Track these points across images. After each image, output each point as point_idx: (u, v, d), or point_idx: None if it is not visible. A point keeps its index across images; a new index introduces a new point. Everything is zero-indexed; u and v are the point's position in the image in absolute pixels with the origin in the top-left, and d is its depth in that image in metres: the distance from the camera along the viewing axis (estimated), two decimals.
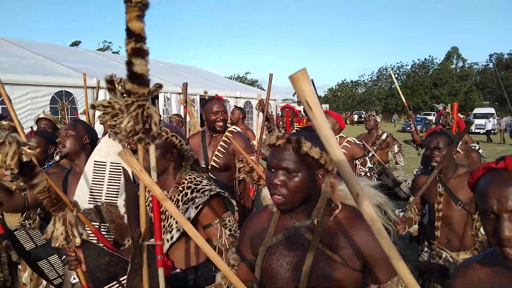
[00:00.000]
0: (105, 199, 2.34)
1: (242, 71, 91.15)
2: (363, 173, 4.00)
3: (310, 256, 1.33)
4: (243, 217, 3.18)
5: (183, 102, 3.93)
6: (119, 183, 2.35)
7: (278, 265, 1.40)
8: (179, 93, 14.52)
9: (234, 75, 61.49)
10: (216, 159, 3.34)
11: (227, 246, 1.83)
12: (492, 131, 24.55)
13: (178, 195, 1.96)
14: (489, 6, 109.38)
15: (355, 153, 4.07)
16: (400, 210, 3.02)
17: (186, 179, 2.01)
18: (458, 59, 56.53)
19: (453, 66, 55.88)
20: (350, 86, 62.78)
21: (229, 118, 6.27)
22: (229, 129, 3.44)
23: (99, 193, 2.33)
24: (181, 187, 1.97)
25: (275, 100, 21.44)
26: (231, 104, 15.62)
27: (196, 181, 2.00)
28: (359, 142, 4.32)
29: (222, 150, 3.33)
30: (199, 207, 1.86)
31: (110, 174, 2.38)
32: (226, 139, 3.36)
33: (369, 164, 4.10)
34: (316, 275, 1.33)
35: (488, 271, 1.15)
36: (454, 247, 2.75)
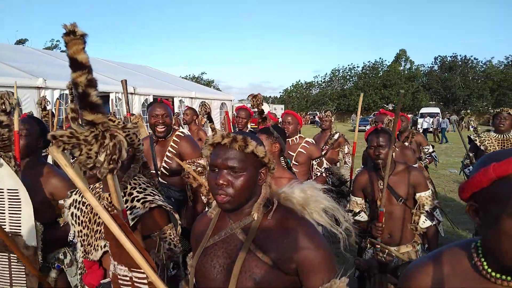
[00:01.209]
0: (9, 229, 2.15)
1: (198, 71, 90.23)
2: (319, 173, 4.13)
3: (241, 257, 1.32)
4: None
5: (133, 115, 3.85)
6: (20, 210, 2.16)
7: (211, 266, 1.39)
8: (132, 93, 14.18)
9: (190, 75, 60.81)
10: (165, 164, 3.29)
11: (164, 261, 1.77)
12: (430, 130, 25.79)
13: None
14: (434, 11, 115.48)
15: (313, 153, 4.18)
16: (350, 215, 3.13)
17: (131, 183, 1.92)
18: (406, 61, 59.11)
19: (402, 67, 58.35)
20: (304, 87, 63.94)
21: (182, 119, 6.27)
22: (176, 133, 3.39)
23: (3, 222, 2.15)
24: (123, 191, 1.87)
25: (231, 100, 21.45)
26: (185, 104, 15.45)
27: (140, 188, 1.91)
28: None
29: (170, 155, 3.28)
30: (136, 219, 1.77)
31: (9, 201, 2.17)
32: (173, 144, 3.32)
33: (325, 165, 4.23)
34: (245, 277, 1.31)
35: (449, 273, 1.07)
36: (396, 241, 2.91)
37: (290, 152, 3.97)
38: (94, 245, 1.87)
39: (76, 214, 2.01)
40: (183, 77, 40.49)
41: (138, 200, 1.83)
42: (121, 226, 1.28)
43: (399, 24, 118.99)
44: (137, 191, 1.87)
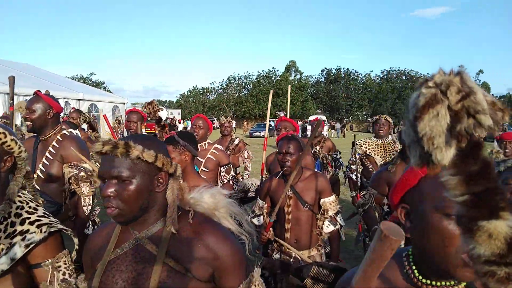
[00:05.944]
0: None
1: (86, 72, 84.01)
2: (225, 180, 3.99)
3: (156, 270, 1.21)
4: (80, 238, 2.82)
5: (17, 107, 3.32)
6: None
7: (113, 282, 1.25)
8: (7, 93, 12.59)
9: (77, 75, 56.41)
10: (42, 167, 2.85)
11: None
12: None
13: (1, 223, 1.50)
14: (321, 25, 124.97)
15: (221, 159, 4.01)
16: (250, 216, 3.09)
17: (15, 201, 1.58)
18: (296, 71, 62.85)
19: (292, 77, 61.83)
20: (201, 92, 63.85)
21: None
22: (62, 132, 2.97)
23: None
24: (7, 213, 1.54)
25: (124, 104, 20.34)
26: (71, 106, 14.18)
27: (29, 207, 1.60)
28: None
29: (50, 157, 2.87)
30: (31, 245, 1.48)
31: None
32: (55, 144, 2.89)
33: (232, 172, 4.12)
34: None
35: (379, 285, 1.03)
36: (302, 245, 2.94)
37: (199, 159, 3.76)
38: None
39: None
40: (69, 78, 37.45)
41: (31, 223, 1.52)
42: None
43: (291, 36, 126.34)
44: (27, 211, 1.57)
